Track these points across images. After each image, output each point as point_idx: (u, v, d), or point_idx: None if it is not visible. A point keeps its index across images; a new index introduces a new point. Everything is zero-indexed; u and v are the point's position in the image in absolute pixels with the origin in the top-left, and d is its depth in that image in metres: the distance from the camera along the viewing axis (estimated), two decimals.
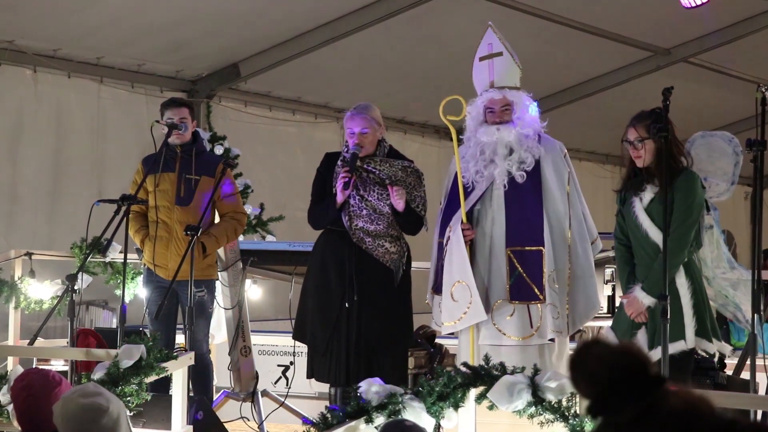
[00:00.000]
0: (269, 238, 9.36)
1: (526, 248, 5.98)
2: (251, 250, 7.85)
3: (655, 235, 5.63)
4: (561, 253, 6.00)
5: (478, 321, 5.94)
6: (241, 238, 7.83)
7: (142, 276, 7.43)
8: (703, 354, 5.80)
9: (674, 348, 5.47)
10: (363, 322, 6.33)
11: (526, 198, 6.04)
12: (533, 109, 6.19)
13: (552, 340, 5.96)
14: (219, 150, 9.04)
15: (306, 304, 6.58)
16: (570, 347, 6.43)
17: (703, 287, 5.72)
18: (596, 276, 6.75)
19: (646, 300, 5.62)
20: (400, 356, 6.55)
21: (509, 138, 6.08)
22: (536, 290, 5.91)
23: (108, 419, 3.79)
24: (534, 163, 6.06)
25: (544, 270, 5.92)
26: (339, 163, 6.47)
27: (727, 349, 5.86)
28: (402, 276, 6.46)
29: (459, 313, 5.95)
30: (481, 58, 6.22)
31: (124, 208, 6.48)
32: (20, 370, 5.10)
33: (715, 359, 5.87)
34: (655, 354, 5.51)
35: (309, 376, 6.62)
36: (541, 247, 5.95)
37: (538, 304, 5.92)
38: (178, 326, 7.11)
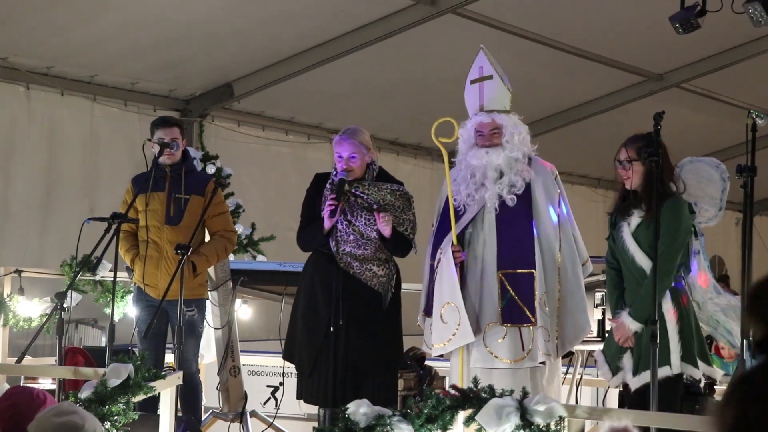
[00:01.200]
0: (260, 258, 9.35)
1: (518, 271, 5.98)
2: (242, 269, 7.84)
3: (642, 259, 5.65)
4: (551, 275, 6.01)
5: (466, 342, 5.94)
6: (231, 257, 7.82)
7: (132, 295, 7.42)
8: (690, 379, 5.81)
9: (660, 373, 5.47)
10: (350, 344, 6.32)
11: (517, 221, 6.05)
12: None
13: (543, 363, 5.96)
14: (211, 169, 9.03)
15: (295, 325, 6.58)
16: (561, 371, 6.43)
17: (690, 312, 5.72)
18: (586, 299, 6.75)
19: (633, 325, 5.63)
20: (389, 378, 6.54)
21: (498, 161, 6.09)
22: (528, 313, 5.91)
23: None
24: (524, 186, 6.08)
25: (536, 293, 5.93)
26: (328, 185, 6.47)
27: (717, 374, 5.86)
28: (391, 298, 6.45)
29: (448, 335, 5.95)
30: (472, 81, 6.24)
31: (114, 227, 6.47)
32: (6, 387, 5.08)
33: (701, 384, 5.87)
34: (639, 379, 5.53)
35: (298, 397, 6.61)
36: (533, 270, 5.96)
37: (530, 327, 5.92)
38: (167, 345, 7.09)
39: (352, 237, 6.37)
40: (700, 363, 5.66)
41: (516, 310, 5.94)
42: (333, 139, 6.66)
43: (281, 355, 6.75)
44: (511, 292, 5.95)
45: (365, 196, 6.41)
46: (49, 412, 3.84)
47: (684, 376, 5.68)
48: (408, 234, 6.43)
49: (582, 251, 6.19)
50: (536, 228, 6.03)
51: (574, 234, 6.16)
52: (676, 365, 5.57)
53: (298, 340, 6.49)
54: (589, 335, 6.97)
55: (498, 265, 6.02)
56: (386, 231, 6.32)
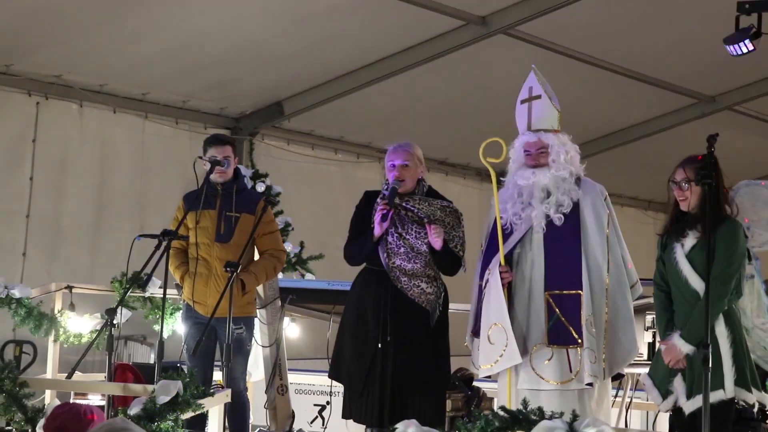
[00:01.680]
0: (308, 276, 9.36)
1: (564, 292, 5.94)
2: (290, 288, 7.85)
3: (696, 282, 5.58)
4: (599, 296, 5.96)
5: (513, 364, 5.90)
6: (280, 275, 7.83)
7: (181, 312, 7.44)
8: (743, 404, 5.73)
9: (714, 397, 5.40)
10: (398, 362, 6.31)
11: (564, 241, 6.01)
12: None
13: (590, 384, 5.90)
14: (261, 187, 9.06)
15: (342, 343, 6.56)
16: (611, 394, 6.37)
17: (743, 336, 5.66)
18: (635, 321, 6.69)
19: (685, 348, 5.57)
20: (437, 398, 6.51)
21: (545, 181, 6.05)
22: (574, 334, 5.87)
23: None
24: (572, 205, 6.04)
25: (582, 313, 5.88)
26: (378, 200, 6.48)
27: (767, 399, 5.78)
28: (439, 317, 6.43)
29: (495, 356, 5.91)
30: (522, 101, 6.23)
31: (164, 244, 6.49)
32: (56, 403, 5.11)
33: (755, 409, 5.79)
34: (694, 403, 5.44)
35: (345, 417, 6.58)
36: (580, 291, 5.91)
37: (577, 348, 5.88)
38: (215, 363, 7.11)
39: (402, 249, 6.36)
40: (752, 389, 5.59)
41: (562, 331, 5.90)
42: (382, 158, 6.67)
43: (328, 374, 6.73)
44: (558, 312, 5.92)
45: (416, 210, 6.41)
46: (102, 429, 3.85)
47: (737, 401, 5.61)
48: (458, 251, 6.41)
49: (631, 273, 6.14)
50: (584, 248, 5.98)
51: (623, 255, 6.11)
52: (729, 389, 5.50)
53: (347, 358, 6.48)
54: (639, 358, 6.91)
55: (545, 285, 5.99)
56: (437, 243, 6.31)
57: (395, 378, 6.30)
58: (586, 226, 6.03)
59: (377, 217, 6.31)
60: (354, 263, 6.59)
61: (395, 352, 6.31)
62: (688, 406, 5.57)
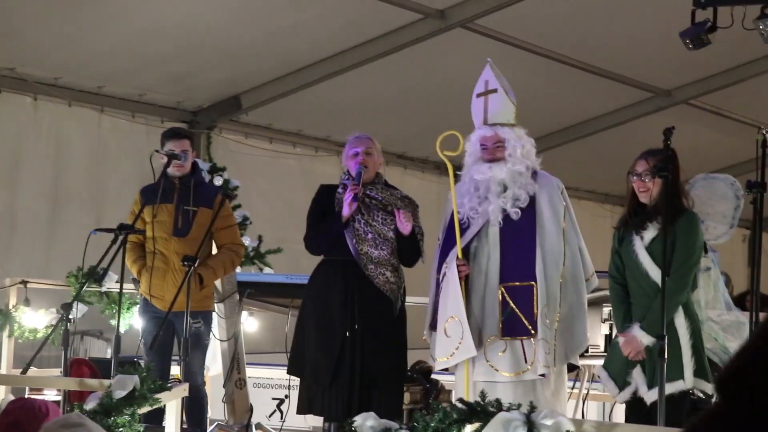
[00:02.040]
0: (267, 270, 9.35)
1: (519, 283, 5.96)
2: (248, 282, 7.83)
3: (655, 274, 5.61)
4: (553, 288, 5.97)
5: (468, 357, 5.91)
6: (238, 269, 7.81)
7: (138, 306, 7.40)
8: (700, 395, 5.78)
9: (674, 387, 5.45)
10: (365, 352, 6.32)
11: (520, 234, 6.02)
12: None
13: (543, 375, 5.92)
14: (218, 181, 9.03)
15: (303, 337, 6.53)
16: (568, 385, 6.40)
17: (700, 328, 5.70)
18: (591, 313, 6.73)
19: (645, 339, 5.60)
20: (398, 389, 6.54)
21: (501, 176, 6.07)
22: (528, 325, 5.89)
23: None
24: (528, 199, 6.06)
25: (536, 305, 5.90)
26: (339, 190, 6.47)
27: None
28: (399, 308, 6.46)
29: (451, 349, 5.93)
30: (478, 95, 6.24)
31: (121, 238, 6.45)
32: (10, 398, 5.07)
33: (713, 400, 5.84)
34: (656, 392, 5.47)
35: (304, 412, 6.55)
36: (533, 282, 5.93)
37: (531, 339, 5.90)
38: (173, 357, 7.08)
39: (370, 236, 6.38)
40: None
41: (517, 323, 5.92)
42: (341, 152, 6.67)
43: (287, 371, 6.69)
44: (512, 305, 5.94)
45: (380, 198, 6.45)
46: (56, 423, 3.82)
47: (691, 392, 5.65)
48: (419, 241, 6.44)
49: (588, 265, 6.17)
50: (539, 241, 6.00)
51: (579, 247, 6.13)
52: (689, 379, 5.54)
53: (311, 351, 6.44)
54: (595, 350, 6.95)
55: (500, 278, 6.01)
56: (407, 228, 6.33)
57: (363, 369, 6.30)
58: (542, 218, 6.05)
59: (347, 197, 6.30)
60: (317, 251, 6.55)
61: (363, 341, 6.32)
62: (650, 396, 5.60)
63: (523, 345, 5.92)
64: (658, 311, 5.40)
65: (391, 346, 6.40)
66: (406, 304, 6.57)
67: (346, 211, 6.33)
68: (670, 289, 5.40)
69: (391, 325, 6.43)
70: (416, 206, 6.59)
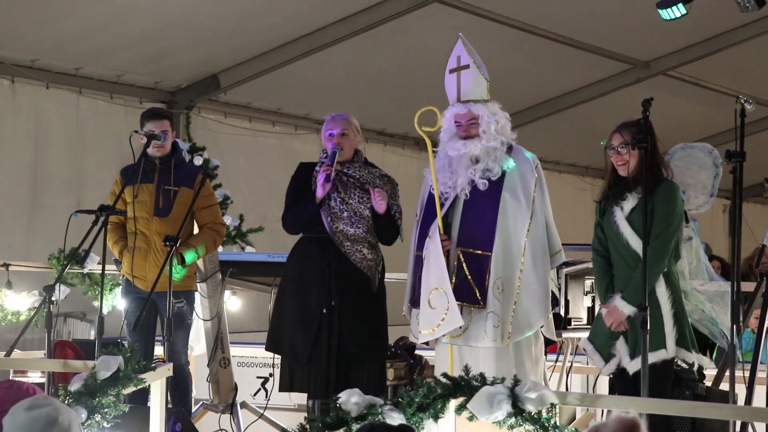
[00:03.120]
0: (248, 249, 9.33)
1: (476, 251, 5.97)
2: (230, 261, 7.83)
3: (636, 244, 5.63)
4: (514, 261, 5.96)
5: (455, 327, 5.91)
6: (220, 249, 7.80)
7: (120, 287, 7.39)
8: (683, 365, 5.81)
9: (656, 357, 5.48)
10: (342, 328, 6.34)
11: (483, 203, 6.02)
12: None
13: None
14: (198, 161, 9.01)
15: (281, 313, 6.55)
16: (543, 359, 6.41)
17: (682, 297, 5.73)
18: (572, 287, 6.76)
19: (627, 309, 5.62)
20: (380, 365, 6.56)
21: (476, 152, 6.07)
22: (478, 295, 5.91)
23: (58, 430, 3.75)
24: (500, 172, 6.05)
25: (489, 276, 5.91)
26: (317, 168, 6.47)
27: (705, 361, 5.85)
28: (378, 285, 6.48)
29: (437, 320, 5.93)
30: (451, 71, 6.23)
31: (102, 219, 6.44)
32: None
33: (694, 368, 5.88)
34: (638, 362, 5.50)
35: (285, 389, 6.56)
36: (489, 253, 5.94)
37: (480, 310, 5.91)
38: (156, 337, 7.08)
39: (345, 214, 6.39)
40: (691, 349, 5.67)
41: (466, 290, 5.93)
42: (320, 129, 6.65)
43: (265, 347, 6.69)
44: (466, 271, 5.95)
45: (357, 176, 6.46)
46: (23, 404, 3.82)
47: (676, 361, 5.69)
48: (397, 219, 6.45)
49: (555, 240, 6.14)
50: (501, 212, 5.99)
51: (547, 222, 6.12)
52: (671, 349, 5.57)
53: (288, 327, 6.46)
54: (578, 323, 6.98)
55: (458, 242, 6.01)
56: (382, 206, 6.35)
57: (341, 345, 6.32)
58: (510, 190, 6.04)
59: (320, 178, 6.32)
60: (293, 230, 6.58)
61: (340, 317, 6.34)
62: (633, 366, 5.63)
63: (471, 313, 5.93)
64: (639, 281, 5.43)
65: (369, 322, 6.42)
66: (386, 280, 6.58)
67: (319, 192, 6.35)
68: (651, 259, 5.42)
69: (369, 302, 6.45)
70: (395, 185, 6.59)
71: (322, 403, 6.29)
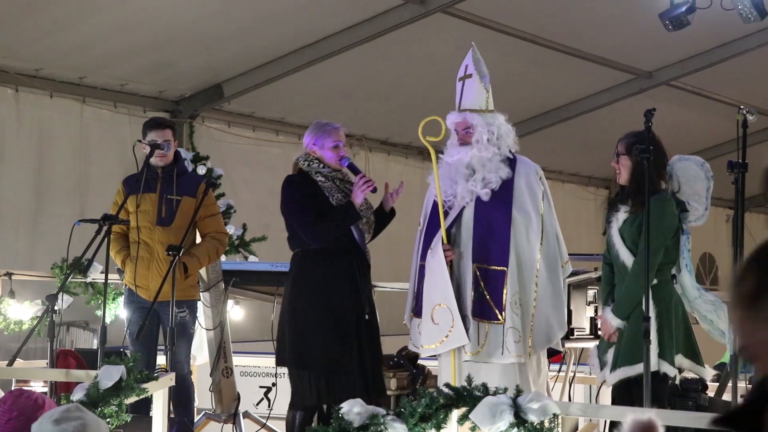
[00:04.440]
0: (252, 258, 9.34)
1: (491, 267, 5.96)
2: (233, 270, 7.82)
3: (626, 256, 5.69)
4: (529, 275, 5.97)
5: (459, 345, 5.91)
6: (223, 258, 7.81)
7: (123, 297, 7.39)
8: (687, 375, 5.81)
9: (635, 371, 5.49)
10: (373, 337, 6.36)
11: (494, 217, 6.01)
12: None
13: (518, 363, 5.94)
14: (202, 170, 9.02)
15: (307, 327, 6.28)
16: (546, 371, 6.41)
17: (670, 310, 5.68)
18: (575, 296, 6.75)
19: (614, 321, 5.68)
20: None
21: (467, 159, 6.08)
22: (496, 310, 5.90)
23: None
24: (500, 182, 6.04)
25: (506, 291, 5.91)
26: (321, 179, 6.41)
27: (705, 372, 5.85)
28: None
29: (440, 336, 5.93)
30: (459, 79, 6.26)
31: (105, 228, 6.45)
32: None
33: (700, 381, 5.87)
34: (615, 375, 5.57)
35: (300, 405, 6.41)
36: (505, 268, 5.93)
37: (498, 325, 5.90)
38: (159, 347, 7.07)
39: (364, 220, 6.42)
40: (685, 360, 5.67)
41: (485, 306, 5.93)
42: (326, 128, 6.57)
43: (290, 364, 6.41)
44: (483, 286, 5.95)
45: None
46: (52, 416, 3.80)
47: (661, 373, 5.68)
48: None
49: (563, 251, 6.15)
50: (514, 226, 5.99)
51: (556, 234, 6.14)
52: (653, 362, 5.55)
53: (322, 341, 6.23)
54: (581, 333, 6.98)
55: (473, 257, 6.01)
56: (390, 202, 6.45)
57: (372, 354, 6.31)
58: (520, 203, 6.05)
59: (365, 187, 6.27)
60: (327, 242, 6.33)
61: (372, 326, 6.36)
62: (610, 378, 5.68)
63: (487, 328, 5.92)
64: (626, 293, 5.50)
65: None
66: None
67: (359, 199, 6.31)
68: (634, 272, 5.47)
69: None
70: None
71: (303, 416, 6.26)
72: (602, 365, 5.80)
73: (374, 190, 6.31)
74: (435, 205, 6.14)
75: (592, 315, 7.04)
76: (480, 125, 6.11)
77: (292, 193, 6.46)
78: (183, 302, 6.86)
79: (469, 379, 4.85)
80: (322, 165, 6.44)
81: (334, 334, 6.24)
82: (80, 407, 4.17)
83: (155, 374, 5.76)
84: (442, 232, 6.03)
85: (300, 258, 6.44)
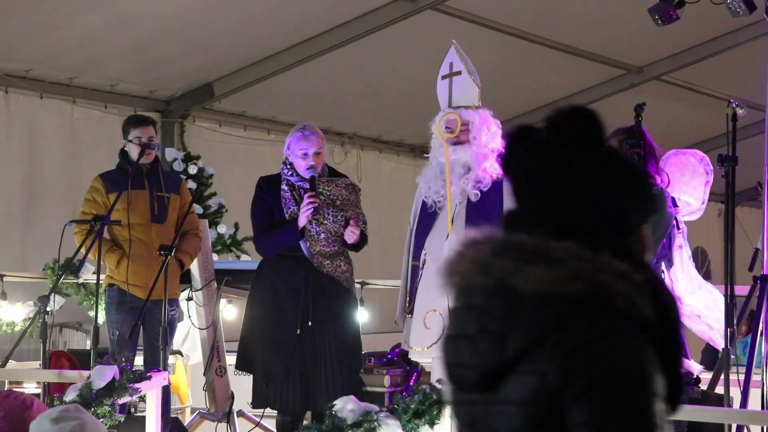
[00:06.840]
0: (244, 257, 9.34)
1: None
2: (226, 269, 7.82)
3: None
4: None
5: None
6: (215, 257, 7.81)
7: (107, 297, 7.23)
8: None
9: None
10: (318, 345, 6.26)
11: (486, 216, 5.99)
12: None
13: None
14: (193, 169, 9.01)
15: (254, 334, 6.44)
16: None
17: None
18: None
19: None
20: (357, 374, 6.52)
21: (465, 158, 6.07)
22: None
23: None
24: (491, 182, 6.02)
25: None
26: (284, 188, 6.38)
27: (694, 367, 5.86)
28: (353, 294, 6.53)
29: (429, 341, 5.91)
30: (443, 77, 6.24)
31: (97, 229, 6.43)
32: None
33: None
34: None
35: (259, 406, 6.52)
36: None
37: None
38: (138, 348, 7.05)
39: (323, 236, 6.32)
40: None
41: None
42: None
43: (235, 366, 6.62)
44: None
45: (328, 193, 6.40)
46: (50, 415, 3.80)
47: None
48: (364, 228, 6.43)
49: None
50: None
51: None
52: None
53: (261, 348, 6.38)
54: None
55: None
56: (352, 238, 6.30)
57: (318, 362, 6.25)
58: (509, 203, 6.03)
59: (307, 211, 6.20)
60: (269, 255, 6.45)
61: (316, 336, 6.26)
62: None
63: None
64: None
65: (347, 336, 6.37)
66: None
67: (302, 221, 6.25)
68: None
69: (348, 313, 6.42)
70: (359, 191, 6.57)
71: (293, 420, 6.27)
72: None
73: (315, 212, 6.20)
74: (425, 204, 6.14)
75: None
76: (476, 122, 6.10)
77: (253, 200, 6.57)
78: (173, 300, 6.89)
79: None
80: (292, 172, 6.41)
81: (271, 344, 6.31)
82: (79, 407, 4.18)
83: (148, 374, 5.77)
84: (448, 230, 5.99)
85: (260, 263, 6.58)
